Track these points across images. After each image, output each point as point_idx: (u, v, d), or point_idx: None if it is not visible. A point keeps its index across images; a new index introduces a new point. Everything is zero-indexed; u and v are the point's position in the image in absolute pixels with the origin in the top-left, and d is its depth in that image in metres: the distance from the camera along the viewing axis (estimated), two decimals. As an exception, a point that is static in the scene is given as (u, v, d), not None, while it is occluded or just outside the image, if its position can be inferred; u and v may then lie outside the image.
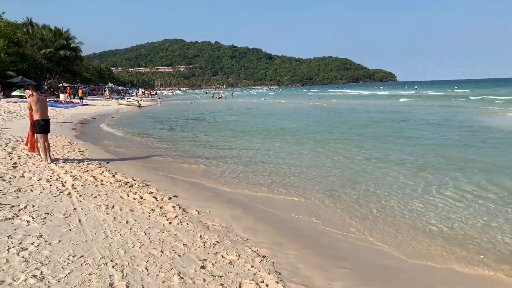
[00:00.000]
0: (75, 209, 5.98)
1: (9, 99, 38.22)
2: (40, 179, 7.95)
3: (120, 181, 8.28)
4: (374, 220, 6.12)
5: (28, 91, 11.20)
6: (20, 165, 9.39)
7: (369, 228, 5.79)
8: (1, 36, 47.46)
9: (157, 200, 6.87)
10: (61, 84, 75.39)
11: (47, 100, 36.91)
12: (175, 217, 5.86)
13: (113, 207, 6.24)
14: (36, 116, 9.86)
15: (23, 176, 8.11)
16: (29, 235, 4.73)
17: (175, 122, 25.38)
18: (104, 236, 4.89)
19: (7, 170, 8.59)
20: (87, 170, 9.25)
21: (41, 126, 9.96)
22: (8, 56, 49.45)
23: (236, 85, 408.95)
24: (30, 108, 10.00)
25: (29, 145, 11.08)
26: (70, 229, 5.04)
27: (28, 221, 5.23)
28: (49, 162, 9.92)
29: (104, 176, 8.69)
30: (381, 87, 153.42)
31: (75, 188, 7.36)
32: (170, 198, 7.07)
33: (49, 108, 30.26)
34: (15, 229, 4.90)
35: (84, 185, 7.68)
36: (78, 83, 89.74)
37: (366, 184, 8.27)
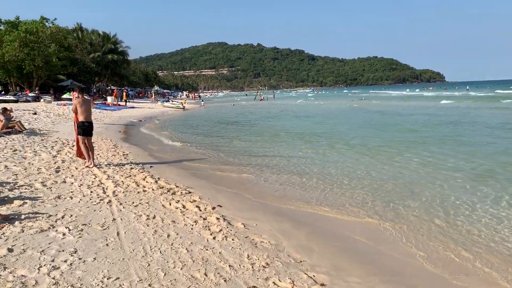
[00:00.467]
0: (114, 219, 5.60)
1: (59, 102, 39.52)
2: (81, 185, 7.70)
3: (162, 187, 7.89)
4: (444, 241, 5.34)
5: (74, 93, 11.24)
6: (63, 169, 9.25)
7: (441, 255, 4.99)
8: (52, 41, 49.27)
9: (200, 210, 6.39)
10: (109, 87, 77.73)
11: (96, 102, 37.95)
12: (220, 231, 5.35)
13: (154, 217, 5.82)
14: (81, 118, 9.75)
15: (64, 182, 7.90)
16: (63, 251, 4.35)
17: (217, 125, 25.10)
18: (143, 253, 4.44)
19: (50, 174, 8.43)
20: (130, 175, 8.96)
21: (85, 128, 9.84)
22: (59, 61, 51.35)
23: (278, 87, 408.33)
24: (76, 111, 9.88)
25: (75, 148, 10.95)
26: (107, 244, 4.63)
27: (64, 234, 4.87)
28: (91, 166, 9.75)
29: (146, 182, 8.35)
30: (430, 88, 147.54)
31: (116, 195, 7.02)
32: (213, 208, 6.58)
33: (96, 110, 31.12)
34: (49, 243, 4.55)
35: (126, 192, 7.35)
36: (126, 86, 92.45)
37: (427, 196, 7.43)
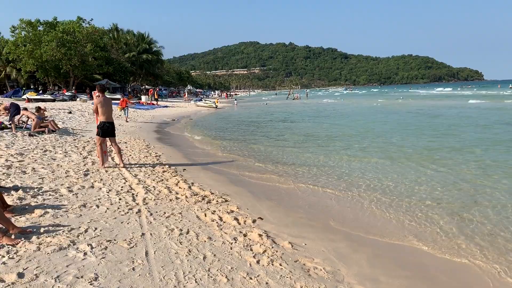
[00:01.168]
0: (143, 234, 4.90)
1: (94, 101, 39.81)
2: (110, 190, 7.09)
3: (196, 194, 7.18)
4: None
5: (95, 92, 10.51)
6: (92, 172, 8.70)
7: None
8: (88, 41, 49.91)
9: (239, 224, 5.62)
10: (143, 87, 78.57)
11: (132, 102, 37.84)
12: (264, 252, 4.56)
13: (187, 232, 5.08)
14: (102, 118, 9.22)
15: (92, 187, 7.31)
16: (81, 277, 3.65)
17: (251, 125, 24.32)
18: (175, 281, 3.69)
19: (78, 178, 7.87)
20: (162, 180, 8.30)
21: (107, 128, 9.32)
22: (95, 60, 52.03)
23: (310, 86, 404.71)
24: (96, 111, 9.33)
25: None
26: (133, 268, 3.91)
27: (85, 253, 4.20)
28: (104, 166, 9.22)
29: (179, 187, 7.67)
30: (468, 86, 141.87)
31: (146, 204, 6.36)
32: (254, 221, 5.80)
33: (131, 110, 30.99)
34: (67, 266, 3.87)
35: (157, 199, 6.67)
36: (160, 85, 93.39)
37: (496, 210, 6.41)
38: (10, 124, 15.03)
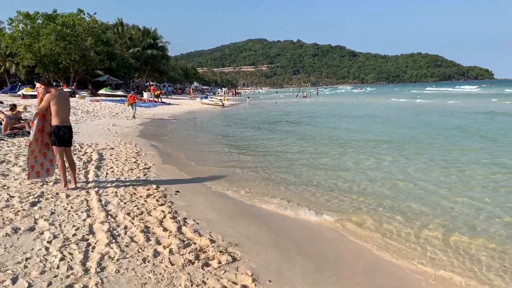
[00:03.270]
0: None
1: (92, 98, 37.54)
2: (55, 237, 4.59)
3: (189, 243, 4.64)
4: None
5: (38, 84, 7.10)
6: (47, 198, 6.20)
7: None
8: (89, 35, 47.56)
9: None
10: (148, 83, 76.27)
11: (140, 98, 35.37)
12: None
13: None
14: (56, 121, 6.62)
15: (31, 229, 4.81)
16: None
17: (263, 128, 21.51)
18: None
19: (17, 212, 5.38)
20: (142, 212, 5.78)
21: (63, 135, 6.72)
22: (97, 55, 49.68)
23: (318, 84, 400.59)
24: (45, 110, 6.73)
25: (28, 167, 7.02)
26: None
27: None
28: (68, 188, 6.71)
29: (164, 228, 5.14)
30: (486, 85, 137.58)
31: (102, 271, 3.83)
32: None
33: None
34: None
35: (123, 258, 4.15)
36: (165, 82, 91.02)
37: None
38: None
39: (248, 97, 63.97)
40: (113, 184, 7.44)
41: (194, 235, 4.90)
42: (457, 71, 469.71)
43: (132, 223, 5.23)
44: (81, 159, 9.73)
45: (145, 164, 9.73)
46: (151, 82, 77.23)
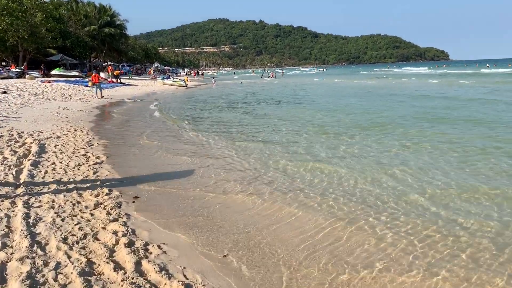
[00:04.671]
0: None
1: (43, 79, 34.49)
2: None
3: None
4: None
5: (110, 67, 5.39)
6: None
7: None
8: (39, 10, 43.76)
9: None
10: (106, 63, 72.38)
11: (88, 79, 33.19)
12: None
13: None
14: None
15: None
16: None
17: (235, 110, 19.87)
18: None
19: None
20: (85, 235, 4.14)
21: None
22: (49, 32, 45.93)
23: (281, 65, 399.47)
24: None
25: None
26: None
27: None
28: None
29: (115, 265, 3.53)
30: (444, 66, 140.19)
31: None
32: None
33: (85, 88, 26.12)
34: None
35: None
36: (124, 62, 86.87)
37: None
38: None
39: (214, 77, 61.64)
40: (52, 188, 5.71)
41: (161, 277, 3.31)
42: (414, 52, 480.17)
43: (69, 258, 3.58)
44: (15, 153, 7.84)
45: (96, 158, 7.98)
46: (109, 62, 73.31)
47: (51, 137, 10.01)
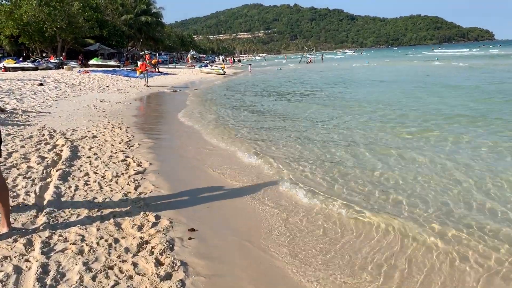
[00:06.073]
0: None
1: (81, 69, 33.97)
2: None
3: None
4: None
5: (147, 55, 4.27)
6: None
7: None
8: (76, -1, 43.45)
9: None
10: (142, 52, 72.09)
11: (127, 69, 33.02)
12: None
13: None
14: None
15: None
16: None
17: (281, 100, 18.35)
18: None
19: None
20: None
21: None
22: (86, 22, 45.58)
23: (316, 49, 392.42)
24: None
25: None
26: None
27: None
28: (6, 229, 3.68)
29: None
30: (493, 46, 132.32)
31: None
32: None
33: (123, 78, 25.11)
34: None
35: None
36: (160, 50, 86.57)
37: None
38: None
39: (250, 64, 59.92)
40: (82, 216, 4.33)
41: None
42: (457, 32, 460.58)
43: None
44: (43, 160, 6.55)
45: (138, 164, 6.59)
46: (145, 51, 72.97)
47: (85, 136, 8.74)
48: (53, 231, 3.89)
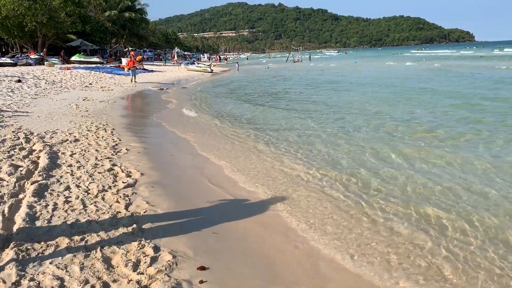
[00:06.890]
0: None
1: (63, 66, 32.57)
2: None
3: None
4: None
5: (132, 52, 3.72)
6: None
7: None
8: (57, -7, 41.82)
9: None
10: (126, 49, 70.47)
11: (109, 65, 31.85)
12: None
13: None
14: None
15: None
16: None
17: (275, 100, 17.55)
18: None
19: None
20: None
21: None
22: (68, 17, 43.95)
23: (300, 49, 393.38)
24: None
25: None
26: None
27: None
28: None
29: None
30: (474, 48, 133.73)
31: None
32: None
33: (107, 76, 23.95)
34: None
35: None
36: (144, 47, 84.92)
37: None
38: None
39: (237, 63, 58.89)
40: (62, 247, 3.42)
41: None
42: (438, 34, 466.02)
43: None
44: (16, 169, 5.58)
45: (127, 175, 5.69)
46: (129, 48, 71.34)
47: (66, 140, 7.76)
48: (23, 273, 2.98)
